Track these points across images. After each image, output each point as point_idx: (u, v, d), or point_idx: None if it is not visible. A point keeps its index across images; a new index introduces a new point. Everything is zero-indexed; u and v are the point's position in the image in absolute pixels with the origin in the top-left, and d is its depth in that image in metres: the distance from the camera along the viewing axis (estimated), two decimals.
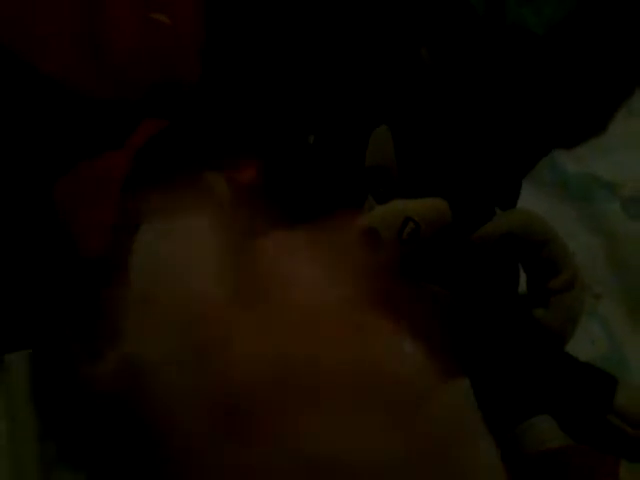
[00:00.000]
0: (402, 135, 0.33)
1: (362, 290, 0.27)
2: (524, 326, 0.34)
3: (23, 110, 0.36)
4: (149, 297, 0.28)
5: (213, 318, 0.25)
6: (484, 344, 0.33)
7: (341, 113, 0.37)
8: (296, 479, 0.22)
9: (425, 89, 0.37)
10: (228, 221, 0.30)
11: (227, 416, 0.23)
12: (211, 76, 0.38)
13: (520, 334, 0.34)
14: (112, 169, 0.33)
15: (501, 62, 0.40)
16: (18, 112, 0.36)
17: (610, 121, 0.45)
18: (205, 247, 0.29)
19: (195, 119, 0.36)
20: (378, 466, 0.22)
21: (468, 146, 0.34)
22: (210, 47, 0.38)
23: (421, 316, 0.28)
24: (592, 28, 0.41)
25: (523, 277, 0.35)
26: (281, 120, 0.38)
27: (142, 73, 0.36)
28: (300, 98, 0.39)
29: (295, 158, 0.37)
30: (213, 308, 0.26)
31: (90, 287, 0.30)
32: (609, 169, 0.44)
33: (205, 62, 0.38)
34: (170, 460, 0.25)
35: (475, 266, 0.33)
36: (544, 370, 0.34)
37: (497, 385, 0.33)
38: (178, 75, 0.37)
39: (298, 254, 0.28)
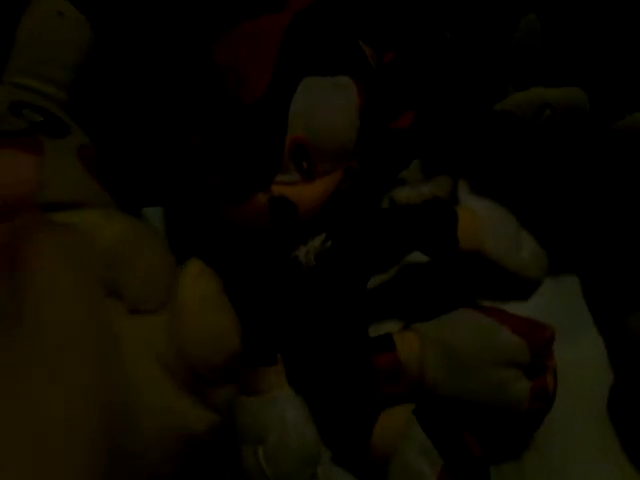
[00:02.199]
0: (550, 25, 0.33)
1: None
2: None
3: None
4: None
5: None
6: (601, 234, 0.34)
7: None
8: None
9: None
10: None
11: None
12: None
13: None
14: (275, 27, 0.32)
15: None
16: None
17: None
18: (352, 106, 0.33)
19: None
20: None
21: (616, 40, 0.33)
22: None
23: None
24: None
25: None
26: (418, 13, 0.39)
27: None
28: None
29: (431, 48, 0.38)
30: None
31: (250, 128, 0.32)
32: None
33: None
34: None
35: (606, 158, 0.34)
36: None
37: (612, 277, 0.34)
38: None
39: None
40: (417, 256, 0.37)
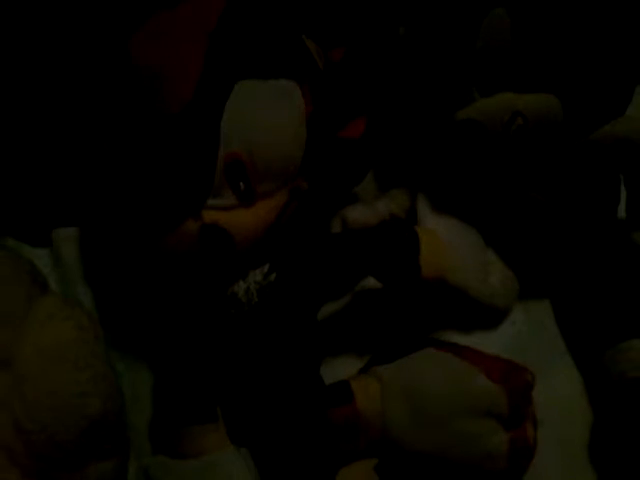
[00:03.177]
0: (519, 21, 0.29)
1: None
2: (621, 248, 0.32)
3: None
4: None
5: None
6: (576, 261, 0.32)
7: None
8: None
9: None
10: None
11: None
12: None
13: (616, 255, 0.32)
14: (201, 17, 0.28)
15: None
16: None
17: None
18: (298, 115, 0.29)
19: None
20: None
21: (585, 46, 0.30)
22: None
23: None
24: None
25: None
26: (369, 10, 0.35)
27: None
28: None
29: (382, 46, 0.34)
30: None
31: (175, 142, 0.27)
32: None
33: None
34: None
35: (580, 172, 0.31)
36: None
37: (588, 306, 0.32)
38: None
39: None
40: (371, 280, 0.32)
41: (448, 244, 0.32)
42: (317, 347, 0.31)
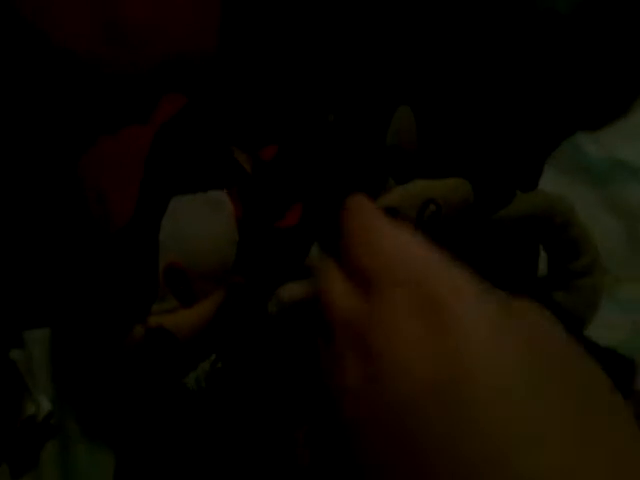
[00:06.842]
0: (424, 115, 0.32)
1: None
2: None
3: (38, 84, 0.35)
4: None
5: None
6: None
7: (362, 92, 0.35)
8: None
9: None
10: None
11: None
12: (228, 51, 0.37)
13: None
14: (137, 143, 0.31)
15: (523, 44, 0.38)
16: (34, 87, 0.35)
17: (635, 105, 0.43)
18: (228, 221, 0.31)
19: (215, 96, 0.35)
20: None
21: (490, 127, 0.33)
22: (227, 21, 0.37)
23: None
24: (616, 8, 0.40)
25: (543, 260, 0.35)
26: (300, 99, 0.38)
27: (157, 47, 0.35)
28: (320, 76, 0.38)
29: (314, 136, 0.36)
30: None
31: (119, 257, 0.30)
32: (633, 153, 0.42)
33: (222, 36, 0.37)
34: None
35: (495, 247, 0.33)
36: None
37: None
38: (194, 49, 0.36)
39: None
40: None
41: None
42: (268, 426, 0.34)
